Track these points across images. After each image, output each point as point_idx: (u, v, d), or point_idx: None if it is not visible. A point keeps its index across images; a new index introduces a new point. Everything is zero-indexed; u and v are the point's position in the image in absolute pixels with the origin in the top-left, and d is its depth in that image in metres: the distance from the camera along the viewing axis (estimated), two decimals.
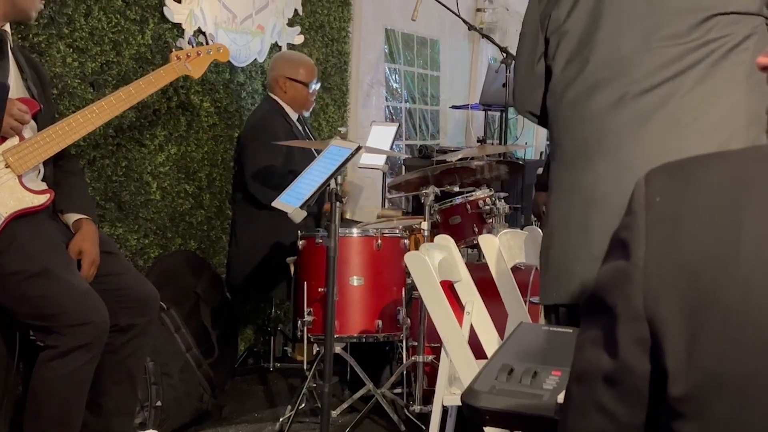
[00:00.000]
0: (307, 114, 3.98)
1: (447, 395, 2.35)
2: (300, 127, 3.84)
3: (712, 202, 0.74)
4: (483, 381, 1.33)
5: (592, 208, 1.65)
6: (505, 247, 2.66)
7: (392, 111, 5.72)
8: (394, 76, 5.77)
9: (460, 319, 2.43)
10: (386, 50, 5.57)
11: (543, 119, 1.83)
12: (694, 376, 0.71)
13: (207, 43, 3.09)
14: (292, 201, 2.19)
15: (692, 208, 0.75)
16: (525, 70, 1.82)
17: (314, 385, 3.06)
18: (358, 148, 2.27)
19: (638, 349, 0.75)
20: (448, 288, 2.55)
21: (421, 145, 5.89)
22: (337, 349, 3.10)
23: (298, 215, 2.17)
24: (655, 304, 0.74)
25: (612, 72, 1.66)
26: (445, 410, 2.42)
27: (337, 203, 2.39)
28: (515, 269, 2.71)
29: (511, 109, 5.29)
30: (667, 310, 0.73)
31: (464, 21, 4.42)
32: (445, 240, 2.60)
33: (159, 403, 2.97)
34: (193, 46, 2.72)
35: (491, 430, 2.27)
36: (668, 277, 0.74)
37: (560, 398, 1.20)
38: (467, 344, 2.32)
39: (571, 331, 1.52)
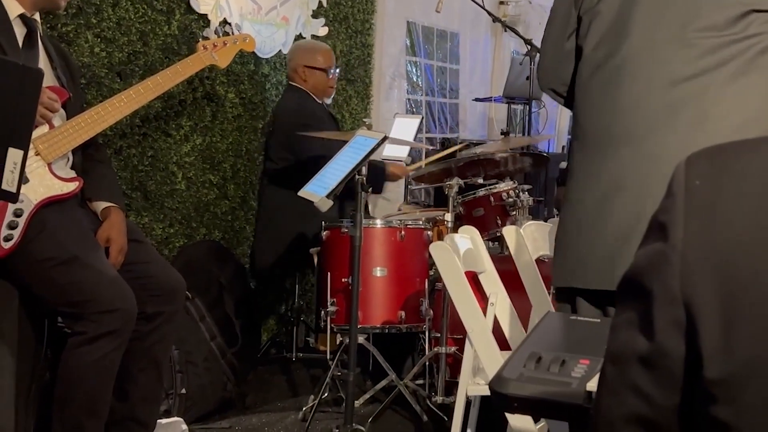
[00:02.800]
0: (329, 101, 3.98)
1: (471, 385, 2.35)
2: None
3: (752, 188, 0.74)
4: (511, 369, 1.34)
5: (612, 197, 1.64)
6: (529, 239, 2.66)
7: (413, 104, 5.72)
8: (414, 69, 5.77)
9: (483, 311, 2.43)
10: (407, 43, 5.57)
11: (568, 100, 1.81)
12: (728, 360, 0.71)
13: (233, 34, 3.10)
14: (318, 190, 2.20)
15: (732, 193, 0.75)
16: (553, 46, 1.78)
17: (338, 373, 3.07)
18: (384, 138, 2.28)
19: (674, 331, 0.75)
20: (472, 279, 2.55)
21: (443, 138, 5.88)
22: (360, 339, 3.11)
23: (324, 204, 2.18)
24: (692, 288, 0.74)
25: (644, 60, 1.63)
26: (468, 401, 2.42)
27: (363, 193, 2.40)
28: (539, 261, 2.71)
29: (534, 102, 5.28)
30: (704, 294, 0.73)
31: (489, 13, 4.41)
32: (469, 231, 2.61)
33: (184, 391, 3.00)
34: (219, 36, 2.73)
35: (515, 421, 2.28)
36: (705, 261, 0.74)
37: (589, 386, 1.20)
38: (491, 334, 2.32)
39: (598, 321, 1.52)
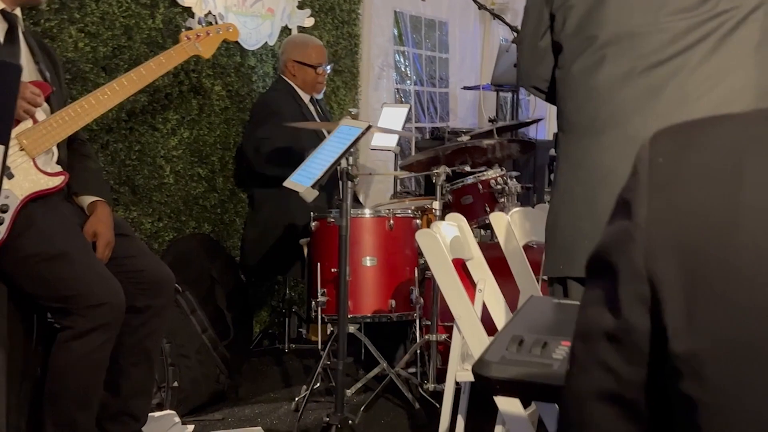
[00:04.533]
0: (319, 96, 3.98)
1: (460, 371, 2.36)
2: (311, 108, 3.85)
3: (713, 163, 0.75)
4: (493, 352, 1.35)
5: (598, 183, 1.66)
6: (516, 225, 2.67)
7: (402, 94, 5.71)
8: (402, 59, 5.77)
9: (472, 297, 2.44)
10: (395, 33, 5.56)
11: (551, 95, 1.83)
12: (693, 335, 0.72)
13: (216, 23, 3.09)
14: (303, 180, 2.21)
15: (693, 169, 0.75)
16: (529, 45, 1.82)
17: (328, 362, 3.08)
18: (368, 127, 2.28)
19: (639, 307, 0.76)
20: (461, 267, 2.56)
21: (432, 127, 5.89)
22: (352, 329, 3.12)
23: (310, 194, 2.18)
24: (656, 264, 0.75)
25: (620, 47, 1.65)
26: (458, 387, 2.43)
27: (349, 182, 2.40)
28: (527, 247, 2.72)
29: (522, 90, 5.28)
30: (667, 270, 0.74)
31: (475, 1, 4.40)
32: (456, 218, 2.61)
33: (176, 384, 3.00)
34: (202, 26, 2.73)
35: (504, 406, 2.29)
36: (669, 237, 0.75)
37: None
38: (479, 321, 2.33)
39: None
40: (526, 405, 2.37)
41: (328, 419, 2.42)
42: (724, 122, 0.80)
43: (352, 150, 2.35)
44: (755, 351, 0.69)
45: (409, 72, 5.87)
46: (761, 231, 0.70)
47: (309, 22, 4.33)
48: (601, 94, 1.67)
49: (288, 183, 2.24)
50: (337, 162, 2.21)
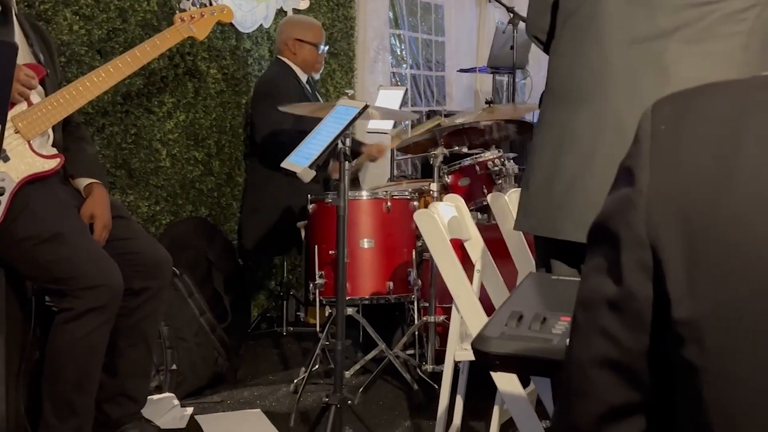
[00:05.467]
0: (317, 76, 3.97)
1: (459, 351, 2.37)
2: (309, 90, 3.84)
3: (712, 129, 0.75)
4: (492, 327, 1.35)
5: (565, 152, 1.67)
6: (514, 206, 2.66)
7: (398, 77, 5.70)
8: (398, 42, 5.75)
9: (470, 278, 2.44)
10: (390, 16, 5.54)
11: (548, 48, 1.84)
12: (694, 302, 0.72)
13: (210, 5, 3.07)
14: (300, 161, 2.20)
15: (693, 135, 0.75)
16: None
17: (327, 343, 3.08)
18: (366, 107, 2.27)
19: (641, 274, 0.76)
20: (459, 248, 2.56)
21: (429, 110, 5.87)
22: (350, 311, 3.13)
23: (307, 175, 2.17)
24: (658, 230, 0.75)
25: (611, 17, 1.65)
26: (457, 367, 2.44)
27: (347, 163, 2.40)
28: None
29: (519, 72, 5.26)
30: (669, 237, 0.74)
31: None
32: (454, 199, 2.61)
33: (174, 367, 3.01)
34: (196, 8, 2.71)
35: (503, 385, 2.30)
36: (670, 204, 0.74)
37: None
38: (477, 300, 2.33)
39: (579, 280, 1.53)
40: (525, 384, 2.37)
41: (327, 399, 2.42)
42: (724, 88, 0.80)
43: (349, 131, 2.34)
44: (753, 316, 0.69)
45: (405, 55, 5.85)
46: (758, 195, 0.70)
47: (304, 4, 4.31)
48: (585, 63, 1.68)
49: (285, 164, 2.24)
50: (335, 142, 2.21)
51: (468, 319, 2.31)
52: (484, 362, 1.33)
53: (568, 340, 1.23)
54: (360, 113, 2.23)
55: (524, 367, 1.42)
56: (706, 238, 0.71)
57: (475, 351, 1.31)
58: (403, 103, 4.66)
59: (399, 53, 5.81)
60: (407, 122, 5.32)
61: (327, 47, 3.94)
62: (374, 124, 4.22)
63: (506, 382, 2.23)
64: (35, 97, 2.34)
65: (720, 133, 0.74)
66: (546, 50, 1.84)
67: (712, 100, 0.77)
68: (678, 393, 0.75)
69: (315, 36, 3.79)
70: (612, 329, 0.78)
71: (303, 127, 3.48)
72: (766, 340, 0.69)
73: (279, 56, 3.83)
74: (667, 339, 0.75)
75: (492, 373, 2.15)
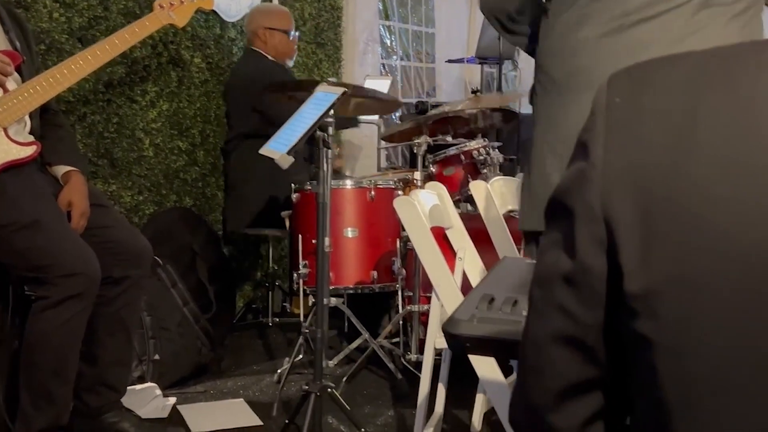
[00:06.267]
0: (290, 63, 3.94)
1: (439, 339, 2.36)
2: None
3: (668, 102, 0.74)
4: (463, 311, 1.34)
5: (569, 140, 1.66)
6: (496, 194, 2.66)
7: (387, 69, 5.68)
8: (387, 34, 5.72)
9: (452, 267, 2.43)
10: (380, 7, 5.51)
11: (510, 31, 1.83)
12: (647, 275, 0.71)
13: None
14: (278, 147, 2.18)
15: (649, 109, 0.75)
16: None
17: (306, 331, 3.07)
18: (344, 92, 2.25)
19: (596, 248, 0.75)
20: (442, 237, 2.54)
21: (417, 101, 5.86)
22: (334, 301, 3.11)
23: (285, 161, 2.16)
24: (611, 204, 0.74)
25: (604, 4, 1.64)
26: (438, 357, 2.43)
27: (326, 150, 2.38)
28: (508, 217, 2.71)
29: (507, 62, 5.25)
30: (623, 210, 0.73)
31: None
32: (436, 187, 2.59)
33: (157, 357, 2.99)
34: None
35: (483, 372, 2.29)
36: (624, 177, 0.74)
37: None
38: (458, 288, 2.32)
39: None
40: (508, 373, 2.37)
41: (307, 387, 2.41)
42: (680, 61, 0.79)
43: (329, 117, 2.33)
44: (709, 286, 0.68)
45: (395, 46, 5.83)
46: (711, 169, 0.69)
47: None
48: (581, 49, 1.66)
49: (264, 150, 2.22)
50: (314, 128, 2.19)
51: (449, 307, 2.29)
52: (455, 345, 1.32)
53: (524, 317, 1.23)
54: (339, 99, 2.21)
55: (495, 349, 1.41)
56: (662, 210, 0.71)
57: (446, 334, 1.30)
58: (391, 93, 4.66)
59: (389, 44, 5.79)
60: (396, 114, 5.31)
61: (297, 33, 3.91)
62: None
63: (487, 369, 2.22)
64: (11, 84, 2.32)
65: (677, 105, 0.73)
66: (506, 32, 1.83)
67: (669, 73, 0.76)
68: (632, 367, 0.74)
69: (285, 23, 3.76)
70: (568, 304, 0.77)
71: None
72: (721, 310, 0.68)
73: (251, 47, 3.79)
74: (622, 312, 0.74)
75: (472, 361, 2.14)
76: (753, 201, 0.67)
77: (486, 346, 1.33)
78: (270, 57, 3.74)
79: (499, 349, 1.36)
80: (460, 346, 1.32)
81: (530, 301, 0.83)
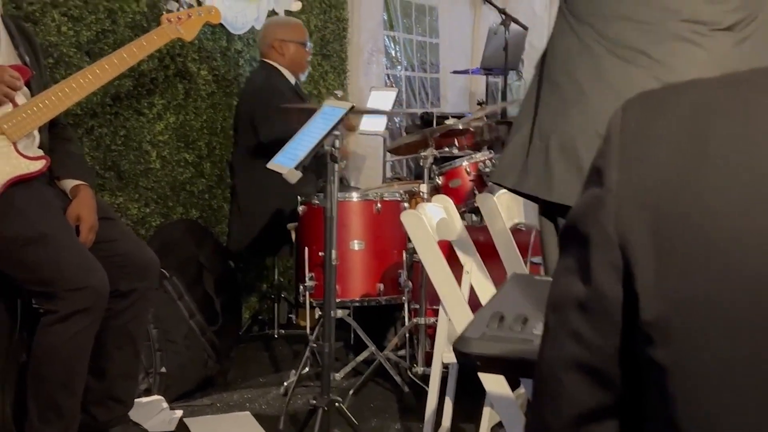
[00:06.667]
0: (303, 78, 3.96)
1: (446, 353, 2.36)
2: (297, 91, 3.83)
3: (679, 127, 0.74)
4: (474, 329, 1.34)
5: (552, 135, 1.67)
6: (503, 207, 2.66)
7: (392, 79, 5.69)
8: (392, 44, 5.74)
9: (459, 280, 2.43)
10: (385, 17, 5.53)
11: None
12: (662, 301, 0.71)
13: (199, 5, 3.06)
14: (286, 162, 2.19)
15: (661, 133, 0.75)
16: None
17: (314, 345, 3.07)
18: (352, 107, 2.26)
19: (611, 274, 0.75)
20: (449, 249, 2.55)
21: (422, 112, 5.87)
22: (340, 313, 3.11)
23: (293, 176, 2.16)
24: (627, 230, 0.74)
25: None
26: (446, 370, 2.43)
27: (334, 164, 2.39)
28: (515, 230, 2.71)
29: (512, 74, 5.26)
30: (638, 236, 0.73)
31: None
32: (443, 200, 2.60)
33: (163, 370, 2.99)
34: (184, 8, 2.70)
35: (490, 386, 2.29)
36: (639, 202, 0.74)
37: None
38: (465, 302, 2.32)
39: None
40: (515, 386, 2.37)
41: (314, 401, 2.41)
42: (692, 87, 0.80)
43: (336, 131, 2.33)
44: (719, 310, 0.68)
45: (399, 57, 5.84)
46: (724, 195, 0.70)
47: (296, 6, 4.30)
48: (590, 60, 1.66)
49: (271, 165, 2.23)
50: (321, 143, 2.20)
51: (456, 321, 2.30)
52: (466, 363, 1.32)
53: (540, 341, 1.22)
54: (346, 114, 2.22)
55: (505, 368, 1.41)
56: (674, 235, 0.71)
57: (457, 352, 1.31)
58: (397, 105, 4.67)
59: (394, 55, 5.80)
60: (401, 123, 5.32)
61: (311, 45, 3.92)
62: (366, 125, 4.22)
63: (494, 383, 2.22)
64: (21, 98, 2.33)
65: (687, 131, 0.73)
66: None
67: (681, 99, 0.77)
68: (646, 392, 0.74)
69: (299, 34, 3.78)
70: (582, 331, 0.77)
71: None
72: (734, 335, 0.68)
73: (265, 59, 3.80)
74: (638, 340, 0.74)
75: (480, 375, 2.14)
76: (765, 225, 0.67)
77: (497, 364, 1.33)
78: (284, 70, 3.75)
79: (510, 367, 1.37)
80: (471, 364, 1.32)
81: (545, 326, 0.83)
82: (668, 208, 0.71)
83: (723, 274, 0.68)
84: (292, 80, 3.80)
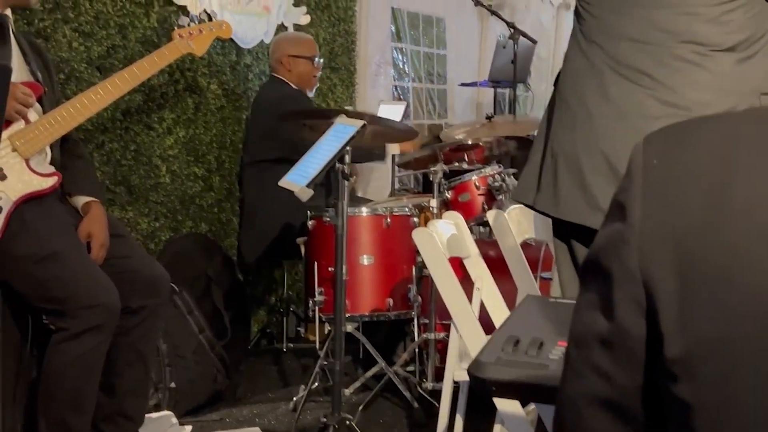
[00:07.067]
0: (311, 94, 3.97)
1: (457, 371, 2.35)
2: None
3: (704, 164, 0.74)
4: (489, 352, 1.33)
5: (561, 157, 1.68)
6: (514, 223, 2.65)
7: (400, 91, 5.69)
8: (400, 56, 5.75)
9: (470, 296, 2.42)
10: (392, 29, 5.54)
11: None
12: (686, 338, 0.71)
13: (210, 21, 3.08)
14: (298, 180, 2.19)
15: (685, 170, 0.75)
16: None
17: (325, 362, 3.07)
18: (364, 126, 2.26)
19: (634, 310, 0.75)
20: (459, 265, 2.54)
21: (431, 124, 5.87)
22: (349, 328, 3.11)
23: (305, 194, 2.16)
24: (650, 266, 0.74)
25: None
26: (457, 386, 2.42)
27: (345, 182, 2.39)
28: (525, 245, 2.70)
29: (520, 86, 5.26)
30: (662, 273, 0.73)
31: None
32: (453, 216, 2.59)
33: (173, 385, 2.99)
34: (195, 24, 2.71)
35: (503, 405, 2.28)
36: (662, 239, 0.74)
37: None
38: (476, 319, 2.32)
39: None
40: (524, 404, 2.35)
41: (325, 419, 2.41)
42: (715, 122, 0.80)
43: (348, 148, 2.33)
44: (747, 350, 0.68)
45: (407, 69, 5.85)
46: (749, 232, 0.69)
47: (305, 19, 4.31)
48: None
49: (283, 182, 2.23)
50: (333, 161, 2.20)
51: (467, 338, 2.29)
52: (481, 388, 1.31)
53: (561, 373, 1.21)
54: (358, 132, 2.22)
55: (521, 393, 1.40)
56: (699, 273, 0.70)
57: (472, 377, 1.30)
58: (405, 117, 4.67)
59: (401, 66, 5.81)
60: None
61: (322, 60, 3.93)
62: None
63: (506, 401, 2.21)
64: (33, 114, 2.34)
65: (712, 167, 0.73)
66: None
67: (703, 134, 0.76)
68: (670, 429, 0.74)
69: (309, 49, 3.80)
70: (605, 367, 0.77)
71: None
72: (760, 373, 0.68)
73: (274, 74, 3.81)
74: (661, 376, 0.73)
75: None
76: None
77: (512, 389, 1.32)
78: (293, 85, 3.76)
79: (526, 393, 1.36)
80: (486, 389, 1.31)
81: (566, 360, 0.83)
82: (693, 247, 0.70)
83: (750, 314, 0.67)
84: None
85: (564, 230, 1.79)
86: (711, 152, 0.73)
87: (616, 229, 0.77)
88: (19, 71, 2.30)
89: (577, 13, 1.75)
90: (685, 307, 0.71)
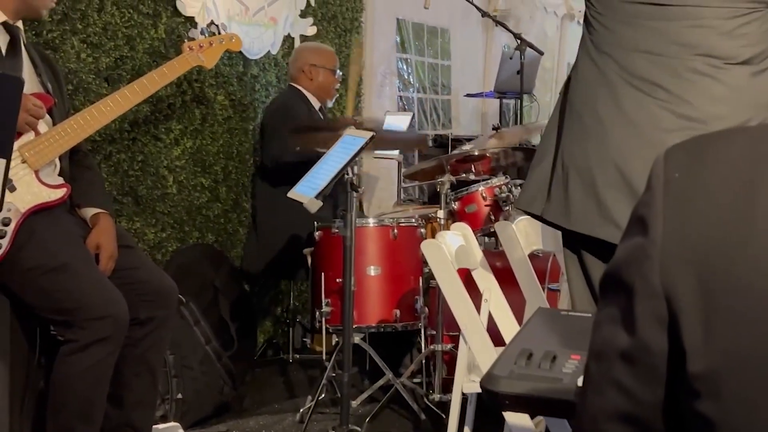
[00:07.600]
0: (329, 104, 3.99)
1: (466, 382, 2.34)
2: (321, 117, 3.84)
3: (727, 178, 0.74)
4: (502, 366, 1.33)
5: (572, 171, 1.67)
6: (522, 234, 2.65)
7: (404, 101, 5.70)
8: (405, 66, 5.76)
9: (478, 307, 2.42)
10: (397, 40, 5.56)
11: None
12: (710, 354, 0.71)
13: (219, 33, 3.08)
14: (307, 191, 2.19)
15: (707, 185, 0.74)
16: None
17: (333, 374, 3.06)
18: (372, 137, 2.26)
19: (656, 326, 0.74)
20: (467, 276, 2.54)
21: (436, 135, 5.87)
22: (356, 339, 3.10)
23: (314, 205, 2.17)
24: (672, 281, 0.73)
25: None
26: (464, 398, 2.41)
27: (354, 193, 2.39)
28: (533, 256, 2.70)
29: (525, 97, 5.26)
30: (684, 288, 0.72)
31: (477, 8, 4.39)
32: (461, 228, 2.59)
33: (180, 396, 2.98)
34: (205, 36, 2.72)
35: (511, 417, 2.27)
36: (685, 254, 0.73)
37: (580, 382, 1.19)
38: (485, 331, 2.31)
39: (590, 315, 1.51)
40: (532, 416, 2.35)
41: (333, 431, 2.40)
42: (737, 136, 0.79)
43: (356, 160, 2.34)
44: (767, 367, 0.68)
45: (411, 79, 5.86)
46: None
47: (312, 30, 4.33)
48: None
49: (292, 194, 2.23)
50: (341, 172, 2.20)
51: (476, 350, 2.29)
52: (494, 402, 1.31)
53: (579, 383, 1.21)
54: (367, 143, 2.22)
55: (534, 407, 1.40)
56: (723, 288, 0.70)
57: (485, 390, 1.29)
58: (410, 128, 4.67)
59: (406, 77, 5.82)
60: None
61: (341, 73, 3.95)
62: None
63: (514, 413, 2.21)
64: (43, 126, 2.34)
65: (735, 182, 0.73)
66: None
67: (726, 148, 0.76)
68: None
69: (330, 61, 3.82)
70: (626, 382, 0.76)
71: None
72: None
73: (293, 83, 3.83)
74: (683, 392, 0.73)
75: None
76: None
77: (525, 403, 1.32)
78: (310, 95, 3.78)
79: (539, 406, 1.35)
80: (500, 402, 1.30)
81: (586, 376, 0.82)
82: (716, 262, 0.70)
83: None
84: (317, 105, 3.82)
85: (575, 241, 1.79)
86: (734, 167, 0.73)
87: (638, 244, 0.76)
88: (30, 83, 2.31)
89: (587, 23, 1.74)
90: (709, 323, 0.70)
